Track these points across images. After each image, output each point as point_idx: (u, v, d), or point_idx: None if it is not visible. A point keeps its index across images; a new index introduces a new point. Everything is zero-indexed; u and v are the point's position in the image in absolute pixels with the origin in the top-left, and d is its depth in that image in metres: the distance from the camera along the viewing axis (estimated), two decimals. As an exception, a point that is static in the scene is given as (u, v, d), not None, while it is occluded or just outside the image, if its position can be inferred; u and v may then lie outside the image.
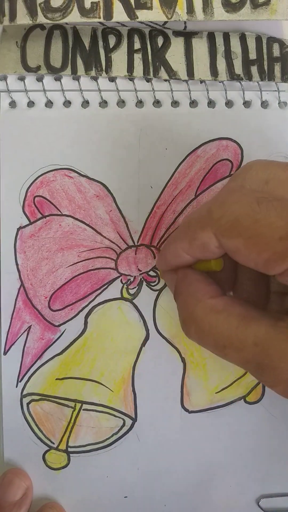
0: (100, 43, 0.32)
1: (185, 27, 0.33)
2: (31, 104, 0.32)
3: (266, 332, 0.21)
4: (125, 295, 0.32)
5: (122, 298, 0.32)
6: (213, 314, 0.23)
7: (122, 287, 0.32)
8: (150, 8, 0.30)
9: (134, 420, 0.31)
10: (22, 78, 0.32)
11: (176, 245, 0.25)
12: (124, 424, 0.31)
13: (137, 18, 0.30)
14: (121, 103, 0.33)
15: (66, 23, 0.32)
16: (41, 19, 0.30)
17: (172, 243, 0.26)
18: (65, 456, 0.31)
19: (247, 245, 0.21)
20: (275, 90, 0.33)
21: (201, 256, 0.24)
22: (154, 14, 0.30)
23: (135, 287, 0.32)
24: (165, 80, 0.33)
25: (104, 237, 0.32)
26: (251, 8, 0.31)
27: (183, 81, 0.33)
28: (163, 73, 0.32)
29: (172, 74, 0.32)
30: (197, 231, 0.23)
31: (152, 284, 0.32)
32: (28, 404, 0.31)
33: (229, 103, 0.33)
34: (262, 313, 0.22)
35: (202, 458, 0.31)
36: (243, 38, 0.33)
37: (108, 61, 0.32)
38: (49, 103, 0.32)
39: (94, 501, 0.31)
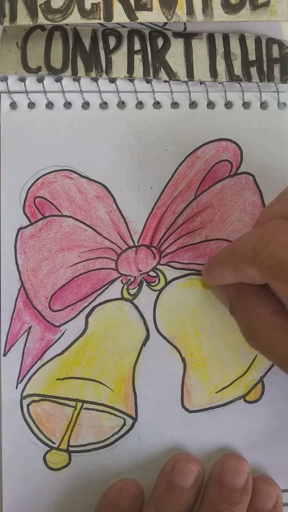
0: (100, 44, 0.32)
1: (185, 28, 0.33)
2: (31, 105, 0.32)
3: None
4: (126, 295, 0.32)
5: (122, 298, 0.32)
6: (275, 331, 0.23)
7: (123, 287, 0.32)
8: (150, 9, 0.30)
9: (135, 419, 0.31)
10: (22, 79, 0.32)
11: (222, 269, 0.25)
12: (124, 424, 0.31)
13: (137, 19, 0.30)
14: (121, 104, 0.33)
15: (67, 24, 0.32)
16: (41, 20, 0.30)
17: (219, 266, 0.26)
18: (66, 455, 0.31)
19: None
20: (274, 91, 0.33)
21: (248, 282, 0.25)
22: (154, 15, 0.30)
23: (136, 287, 0.32)
24: (165, 81, 0.33)
25: (105, 237, 0.32)
26: (250, 9, 0.31)
27: (183, 82, 0.33)
28: (163, 74, 0.32)
29: (172, 75, 0.32)
30: (243, 265, 0.23)
31: (152, 284, 0.32)
32: (28, 405, 0.31)
33: (228, 104, 0.33)
34: None
35: (202, 457, 0.31)
36: (242, 39, 0.33)
37: (108, 62, 0.32)
38: (49, 105, 0.32)
39: (95, 501, 0.31)
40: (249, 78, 0.33)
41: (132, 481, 0.30)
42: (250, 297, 0.25)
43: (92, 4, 0.30)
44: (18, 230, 0.32)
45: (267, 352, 0.24)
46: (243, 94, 0.33)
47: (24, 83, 0.32)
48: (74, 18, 0.30)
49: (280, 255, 0.22)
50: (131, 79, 0.33)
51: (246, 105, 0.33)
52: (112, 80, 0.33)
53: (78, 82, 0.33)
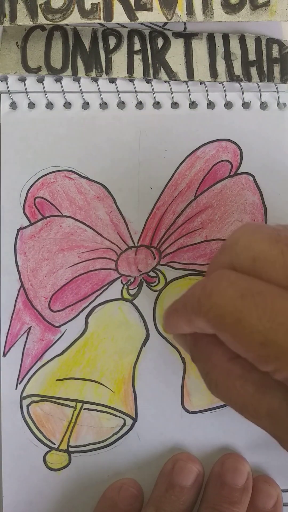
0: (100, 44, 0.32)
1: (185, 28, 0.33)
2: (31, 105, 0.32)
3: (279, 405, 0.21)
4: (125, 295, 0.32)
5: (122, 298, 0.32)
6: (231, 379, 0.23)
7: (123, 287, 0.32)
8: (150, 9, 0.30)
9: (135, 420, 0.31)
10: (22, 79, 0.32)
11: (178, 319, 0.25)
12: (124, 424, 0.31)
13: (137, 19, 0.30)
14: (121, 104, 0.33)
15: (67, 24, 0.32)
16: (41, 20, 0.30)
17: (174, 316, 0.25)
18: (66, 456, 0.31)
19: (234, 342, 0.21)
20: (274, 91, 0.33)
21: (202, 332, 0.24)
22: (154, 15, 0.30)
23: (135, 288, 0.32)
24: (165, 82, 0.33)
25: (105, 238, 0.32)
26: (250, 9, 0.31)
27: (183, 82, 0.33)
28: (163, 74, 0.32)
29: (172, 75, 0.32)
30: (193, 317, 0.23)
31: (152, 284, 0.32)
32: (28, 406, 0.31)
33: (228, 104, 0.33)
34: (277, 382, 0.22)
35: (202, 457, 0.31)
36: (242, 39, 0.33)
37: (108, 62, 0.32)
38: (49, 105, 0.32)
39: (95, 501, 0.31)
40: (249, 78, 0.33)
41: (131, 481, 0.30)
42: (206, 345, 0.24)
43: (92, 4, 0.30)
44: (18, 230, 0.32)
45: (226, 400, 0.23)
46: (243, 94, 0.33)
47: (24, 83, 0.32)
48: (74, 18, 0.30)
49: (222, 305, 0.21)
50: (131, 79, 0.33)
51: (246, 105, 0.33)
52: (112, 80, 0.33)
53: (78, 82, 0.33)
